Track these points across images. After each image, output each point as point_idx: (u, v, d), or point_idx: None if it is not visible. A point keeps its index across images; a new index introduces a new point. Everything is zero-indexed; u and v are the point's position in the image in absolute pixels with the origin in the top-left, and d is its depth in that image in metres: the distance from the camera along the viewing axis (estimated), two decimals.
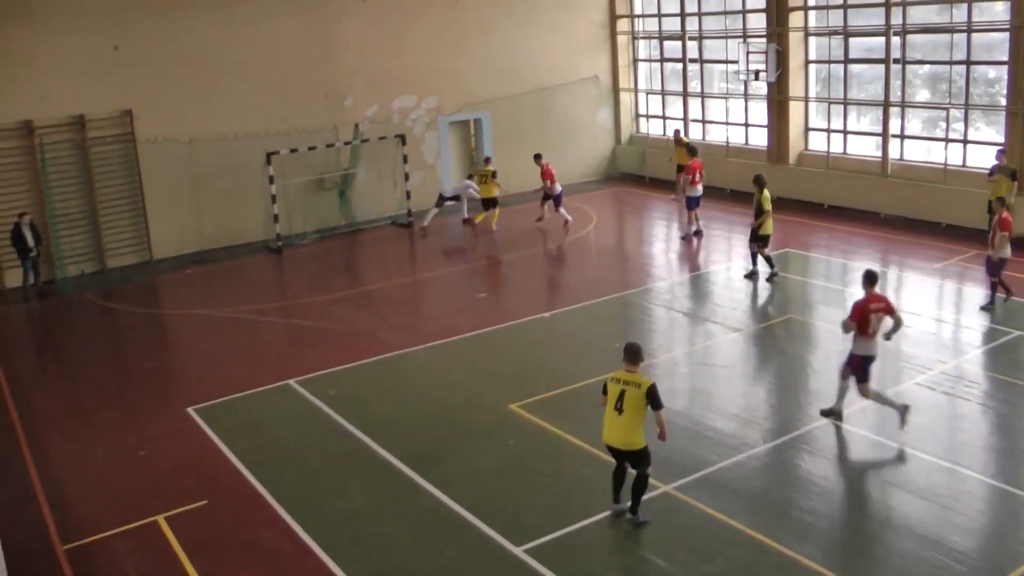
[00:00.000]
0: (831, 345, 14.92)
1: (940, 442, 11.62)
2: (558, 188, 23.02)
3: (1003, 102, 20.81)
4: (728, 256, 20.70)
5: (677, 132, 26.98)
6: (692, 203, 21.70)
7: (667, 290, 18.34)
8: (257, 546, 9.97)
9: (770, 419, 12.56)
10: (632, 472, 9.72)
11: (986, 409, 12.59)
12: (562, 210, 22.92)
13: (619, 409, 9.34)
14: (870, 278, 11.85)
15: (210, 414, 13.37)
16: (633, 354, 9.56)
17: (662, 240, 23.47)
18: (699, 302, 17.95)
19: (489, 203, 23.61)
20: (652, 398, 9.28)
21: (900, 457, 11.24)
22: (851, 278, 18.49)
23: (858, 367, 11.79)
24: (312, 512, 10.53)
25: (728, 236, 21.84)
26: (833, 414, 12.14)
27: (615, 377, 9.56)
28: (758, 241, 18.17)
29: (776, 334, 15.64)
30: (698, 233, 21.90)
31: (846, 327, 11.71)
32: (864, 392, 11.85)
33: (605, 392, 9.68)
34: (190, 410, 13.52)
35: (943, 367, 13.71)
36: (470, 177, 24.64)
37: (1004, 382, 13.23)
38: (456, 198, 24.34)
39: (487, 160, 24.67)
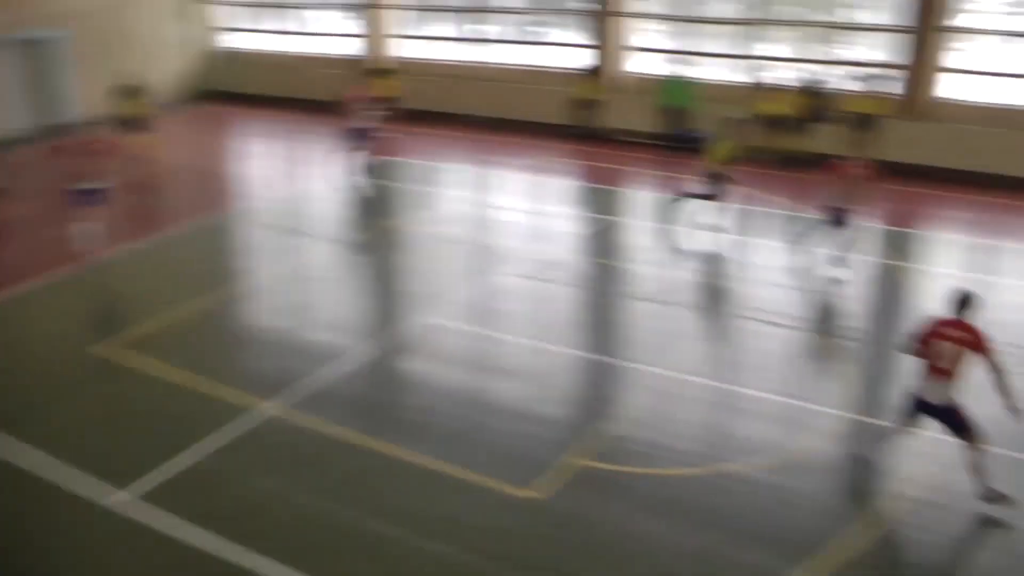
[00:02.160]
0: (424, 249, 15.35)
1: (531, 327, 12.31)
2: None
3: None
4: (323, 171, 20.22)
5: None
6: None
7: (264, 210, 17.75)
8: None
9: (372, 326, 12.70)
10: None
11: (572, 290, 13.59)
12: None
13: None
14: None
15: None
16: None
17: (258, 159, 22.65)
18: (296, 219, 17.58)
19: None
20: None
21: (496, 344, 11.80)
22: (440, 179, 19.07)
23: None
24: None
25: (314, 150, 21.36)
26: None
27: None
28: None
29: (373, 243, 15.76)
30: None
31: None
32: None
33: None
34: None
35: (539, 256, 14.54)
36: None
37: (598, 264, 14.38)
38: None
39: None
